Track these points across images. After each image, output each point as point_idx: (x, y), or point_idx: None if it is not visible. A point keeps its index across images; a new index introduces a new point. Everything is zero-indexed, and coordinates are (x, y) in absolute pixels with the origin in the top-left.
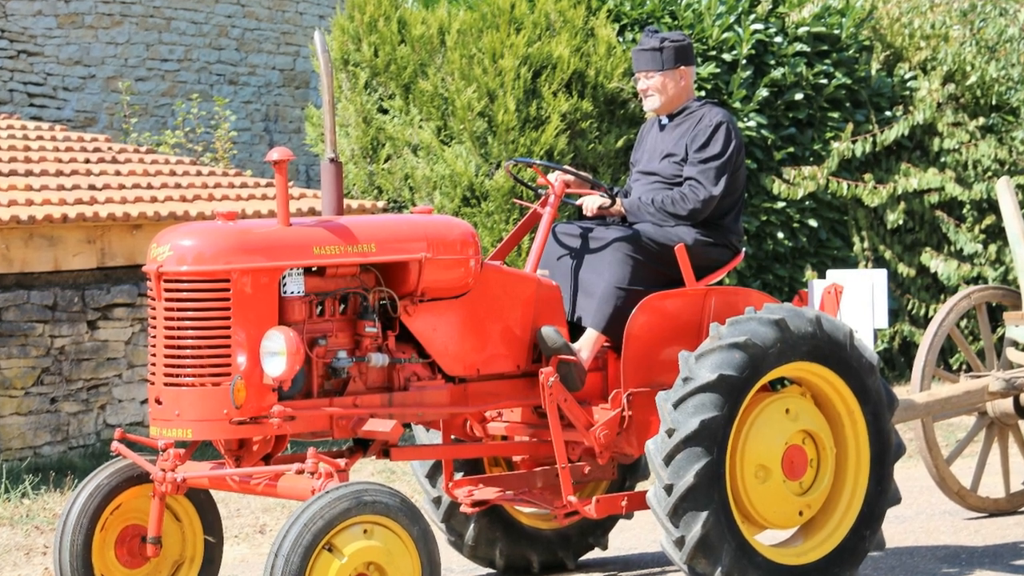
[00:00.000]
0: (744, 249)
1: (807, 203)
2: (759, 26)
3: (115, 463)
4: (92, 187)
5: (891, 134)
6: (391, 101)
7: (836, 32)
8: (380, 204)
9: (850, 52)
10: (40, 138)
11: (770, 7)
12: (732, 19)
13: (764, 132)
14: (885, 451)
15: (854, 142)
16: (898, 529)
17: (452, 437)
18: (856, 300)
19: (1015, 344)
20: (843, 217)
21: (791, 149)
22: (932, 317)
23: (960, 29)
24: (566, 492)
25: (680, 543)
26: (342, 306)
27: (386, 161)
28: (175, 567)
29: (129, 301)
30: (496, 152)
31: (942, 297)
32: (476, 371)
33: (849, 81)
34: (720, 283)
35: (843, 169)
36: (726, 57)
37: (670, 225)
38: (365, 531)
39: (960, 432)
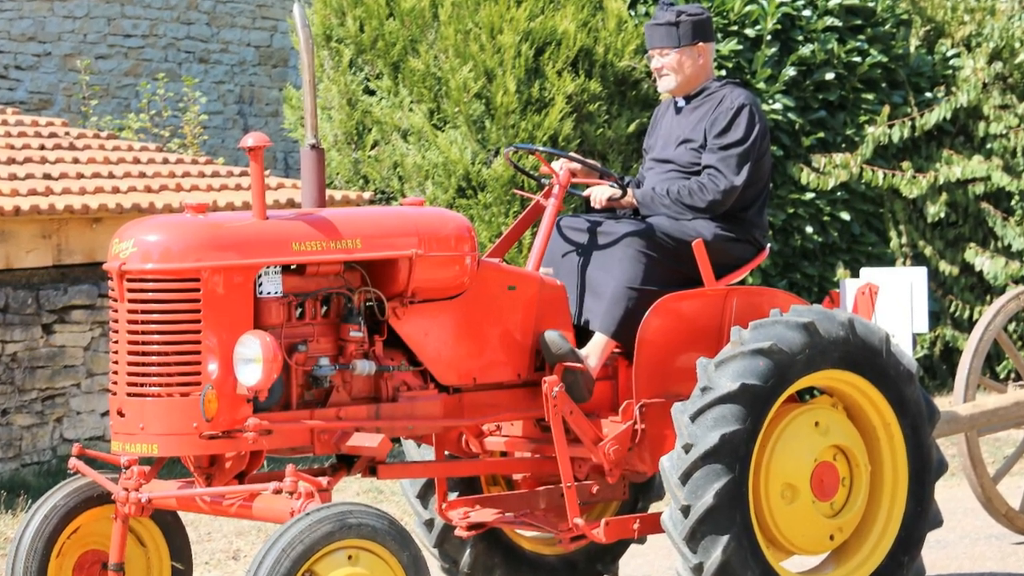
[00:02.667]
0: (769, 245)
1: (839, 194)
2: None
3: (73, 482)
4: (48, 176)
5: (932, 118)
6: (378, 81)
7: (871, 5)
8: (366, 195)
9: (886, 27)
10: None
11: None
12: None
13: (791, 115)
14: (925, 468)
15: (891, 127)
16: (939, 555)
17: (446, 453)
18: (893, 301)
19: None
20: (878, 210)
21: (821, 134)
22: (977, 320)
23: (1008, 2)
24: (572, 514)
25: (698, 570)
26: (324, 308)
27: (373, 147)
28: None
29: (88, 303)
30: (494, 138)
31: (988, 298)
32: (472, 380)
33: (885, 59)
34: (742, 282)
35: (878, 156)
36: (749, 32)
37: (687, 218)
38: (350, 557)
39: (1008, 447)
